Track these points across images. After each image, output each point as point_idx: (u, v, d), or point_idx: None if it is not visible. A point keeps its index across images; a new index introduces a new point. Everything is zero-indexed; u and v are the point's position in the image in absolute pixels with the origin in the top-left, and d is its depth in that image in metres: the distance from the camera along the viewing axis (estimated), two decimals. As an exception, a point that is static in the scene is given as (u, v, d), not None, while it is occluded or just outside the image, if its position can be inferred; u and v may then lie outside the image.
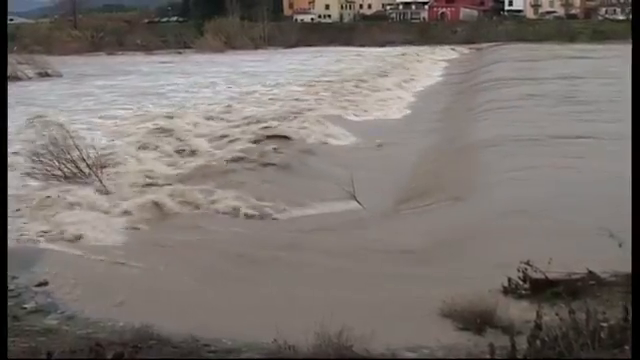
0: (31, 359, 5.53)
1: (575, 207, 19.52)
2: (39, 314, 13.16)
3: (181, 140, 32.08)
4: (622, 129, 30.12)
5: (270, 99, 50.15)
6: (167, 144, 31.12)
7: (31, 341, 10.66)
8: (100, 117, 42.12)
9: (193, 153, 30.09)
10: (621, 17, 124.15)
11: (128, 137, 33.20)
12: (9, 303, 13.74)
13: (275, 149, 29.41)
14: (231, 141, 32.49)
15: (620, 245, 10.08)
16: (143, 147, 30.40)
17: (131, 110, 45.93)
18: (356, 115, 43.27)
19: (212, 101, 49.95)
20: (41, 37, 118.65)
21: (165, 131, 33.79)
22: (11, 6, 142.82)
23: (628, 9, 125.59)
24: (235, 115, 41.14)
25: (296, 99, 48.97)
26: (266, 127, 34.87)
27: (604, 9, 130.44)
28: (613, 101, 39.60)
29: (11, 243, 18.56)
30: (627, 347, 6.21)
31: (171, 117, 38.64)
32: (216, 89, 61.11)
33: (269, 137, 32.00)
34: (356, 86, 55.95)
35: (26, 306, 13.56)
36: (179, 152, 30.19)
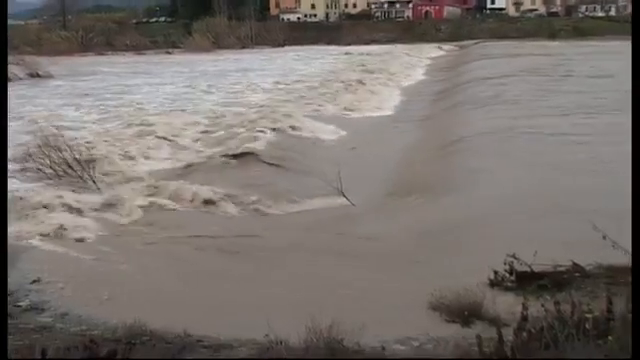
0: (32, 359, 5.49)
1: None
2: (34, 312, 13.16)
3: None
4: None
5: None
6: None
7: (24, 339, 10.65)
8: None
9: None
10: (601, 14, 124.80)
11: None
12: (2, 302, 13.76)
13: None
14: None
15: (604, 237, 10.14)
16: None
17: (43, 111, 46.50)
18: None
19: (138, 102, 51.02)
20: (31, 38, 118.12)
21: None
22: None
23: (607, 6, 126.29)
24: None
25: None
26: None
27: (584, 6, 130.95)
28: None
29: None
30: (610, 337, 6.24)
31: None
32: (157, 89, 61.85)
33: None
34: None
35: (21, 304, 13.55)
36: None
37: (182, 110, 44.83)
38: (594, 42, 79.33)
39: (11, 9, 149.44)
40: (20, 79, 73.66)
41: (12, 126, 38.22)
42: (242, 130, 35.14)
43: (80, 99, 54.68)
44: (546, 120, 34.52)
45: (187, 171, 27.57)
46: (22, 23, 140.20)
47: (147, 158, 29.93)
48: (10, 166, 27.62)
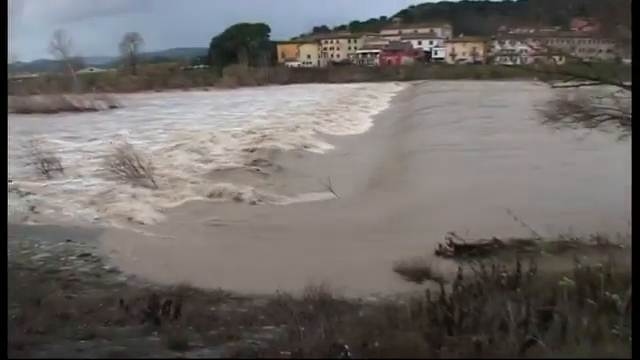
0: (33, 359, 5.42)
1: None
2: (113, 273, 13.17)
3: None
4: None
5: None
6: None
7: (107, 292, 10.63)
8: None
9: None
10: (510, 62, 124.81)
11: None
12: (91, 266, 13.76)
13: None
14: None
15: (515, 219, 10.18)
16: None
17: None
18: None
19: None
20: (111, 81, 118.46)
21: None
22: (92, 61, 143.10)
23: (515, 58, 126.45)
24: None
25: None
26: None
27: (499, 57, 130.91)
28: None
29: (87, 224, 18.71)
30: (518, 289, 6.22)
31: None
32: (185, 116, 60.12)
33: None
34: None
35: (105, 267, 13.56)
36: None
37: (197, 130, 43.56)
38: (504, 82, 79.17)
39: (98, 62, 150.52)
40: (103, 109, 73.69)
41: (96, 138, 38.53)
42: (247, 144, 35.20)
43: (133, 124, 53.81)
44: (459, 138, 34.97)
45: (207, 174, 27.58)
46: (105, 70, 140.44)
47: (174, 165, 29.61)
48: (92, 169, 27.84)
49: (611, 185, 14.83)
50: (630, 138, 5.55)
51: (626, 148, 5.78)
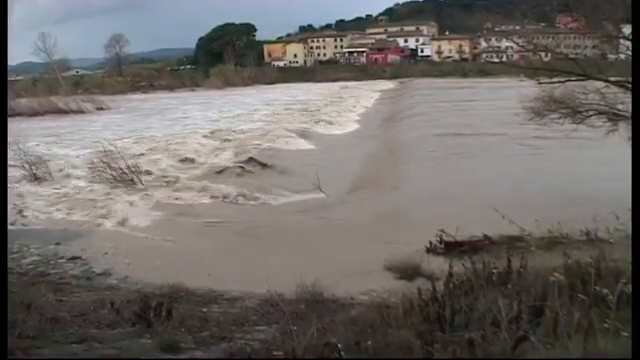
0: (32, 359, 5.37)
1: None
2: (104, 275, 13.12)
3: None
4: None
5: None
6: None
7: (99, 295, 10.58)
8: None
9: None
10: (496, 60, 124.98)
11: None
12: (82, 269, 13.69)
13: None
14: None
15: (503, 217, 10.22)
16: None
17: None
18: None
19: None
20: (97, 83, 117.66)
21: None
22: (77, 62, 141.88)
23: (501, 55, 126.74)
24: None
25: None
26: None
27: (485, 54, 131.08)
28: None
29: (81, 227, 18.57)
30: (509, 285, 6.24)
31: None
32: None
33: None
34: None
35: (94, 270, 13.49)
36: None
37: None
38: (490, 79, 79.21)
39: (84, 63, 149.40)
40: (90, 111, 73.00)
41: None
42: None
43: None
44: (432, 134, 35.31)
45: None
46: (91, 73, 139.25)
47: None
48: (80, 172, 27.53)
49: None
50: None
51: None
